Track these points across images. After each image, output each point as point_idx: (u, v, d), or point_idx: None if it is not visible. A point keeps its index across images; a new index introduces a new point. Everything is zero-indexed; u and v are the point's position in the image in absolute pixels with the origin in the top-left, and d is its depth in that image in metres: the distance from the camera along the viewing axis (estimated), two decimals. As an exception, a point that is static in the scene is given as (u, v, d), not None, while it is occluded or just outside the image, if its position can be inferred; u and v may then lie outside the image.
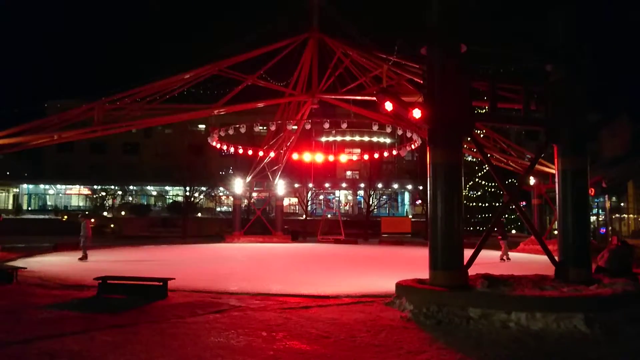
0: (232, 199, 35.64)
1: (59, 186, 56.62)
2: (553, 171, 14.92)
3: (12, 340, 6.86)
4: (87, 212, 37.62)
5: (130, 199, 55.43)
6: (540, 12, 10.84)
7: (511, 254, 23.20)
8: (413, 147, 27.12)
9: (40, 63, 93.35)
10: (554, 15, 10.44)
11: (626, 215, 38.82)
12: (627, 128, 42.27)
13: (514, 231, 40.89)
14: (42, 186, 56.96)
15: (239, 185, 31.33)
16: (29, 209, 54.14)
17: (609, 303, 8.22)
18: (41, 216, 46.83)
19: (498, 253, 23.01)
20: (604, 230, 35.99)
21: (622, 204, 39.16)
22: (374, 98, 14.00)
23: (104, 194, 52.70)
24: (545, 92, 10.50)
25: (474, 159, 38.13)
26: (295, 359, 6.21)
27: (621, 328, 7.75)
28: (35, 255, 18.71)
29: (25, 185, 56.11)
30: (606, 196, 36.60)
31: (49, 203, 56.35)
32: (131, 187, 55.62)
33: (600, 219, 37.70)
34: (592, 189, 21.53)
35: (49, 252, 20.37)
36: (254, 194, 36.60)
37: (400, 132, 24.93)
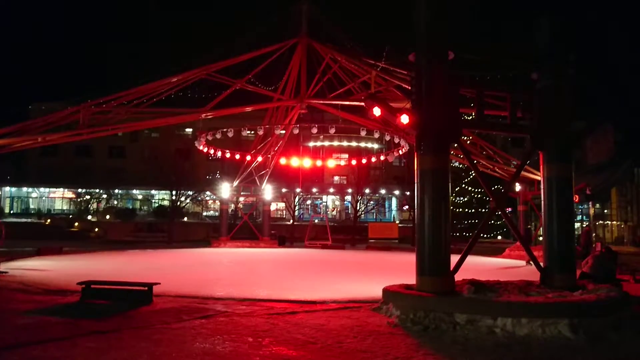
0: (219, 203, 35.44)
1: (42, 189, 55.81)
2: (539, 178, 15.09)
3: (-8, 346, 6.71)
4: None
5: (116, 203, 54.84)
6: (527, 21, 10.98)
7: (497, 260, 23.38)
8: (401, 152, 27.24)
9: (25, 64, 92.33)
10: (540, 25, 10.58)
11: (609, 222, 39.38)
12: (611, 136, 42.96)
13: (499, 237, 41.25)
14: (25, 189, 56.10)
15: (226, 189, 31.17)
16: (11, 212, 53.27)
17: (594, 309, 8.29)
18: (24, 220, 46.12)
19: (484, 259, 23.18)
20: (588, 236, 36.35)
21: (605, 211, 39.74)
22: (363, 104, 14.05)
23: (88, 197, 52.03)
24: (531, 99, 10.62)
25: (461, 165, 38.44)
26: (282, 365, 6.17)
27: (605, 334, 7.83)
28: (17, 260, 18.37)
29: (7, 188, 55.18)
30: (590, 203, 37.12)
31: (31, 206, 55.51)
32: (116, 191, 55.03)
33: (584, 226, 38.20)
34: (577, 196, 21.83)
35: (31, 257, 20.03)
36: (241, 199, 36.41)
37: (388, 137, 25.02)
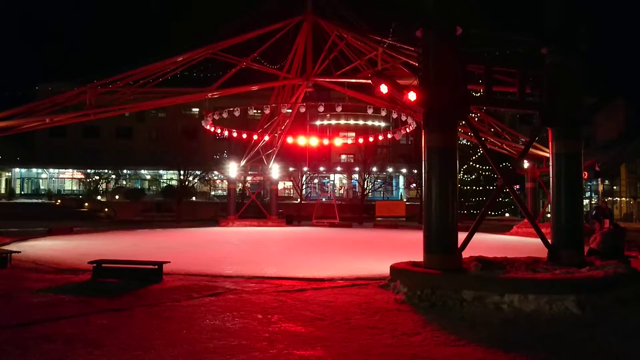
0: (226, 183, 35.56)
1: (51, 170, 56.26)
2: (547, 155, 14.97)
3: (7, 324, 6.86)
4: None
5: (124, 183, 55.20)
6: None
7: (504, 237, 23.37)
8: (408, 130, 27.07)
9: (31, 45, 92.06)
10: (550, -2, 10.36)
11: (618, 199, 39.12)
12: (622, 112, 42.43)
13: (507, 214, 41.17)
14: (34, 170, 56.58)
15: (233, 169, 31.23)
16: (22, 193, 53.83)
17: (601, 285, 8.30)
18: (34, 200, 46.62)
19: (492, 236, 23.17)
20: (597, 213, 36.17)
21: (614, 188, 39.44)
22: (369, 81, 13.93)
23: (97, 178, 52.41)
24: (540, 75, 10.46)
25: (469, 142, 38.18)
26: (291, 341, 6.26)
27: (612, 310, 7.85)
28: (29, 240, 18.66)
29: (17, 170, 55.70)
30: (599, 180, 36.84)
31: (42, 187, 56.04)
32: (125, 171, 55.35)
33: (593, 202, 37.98)
34: (586, 173, 21.67)
35: (42, 237, 20.32)
36: (249, 178, 36.48)
37: (395, 115, 24.88)
